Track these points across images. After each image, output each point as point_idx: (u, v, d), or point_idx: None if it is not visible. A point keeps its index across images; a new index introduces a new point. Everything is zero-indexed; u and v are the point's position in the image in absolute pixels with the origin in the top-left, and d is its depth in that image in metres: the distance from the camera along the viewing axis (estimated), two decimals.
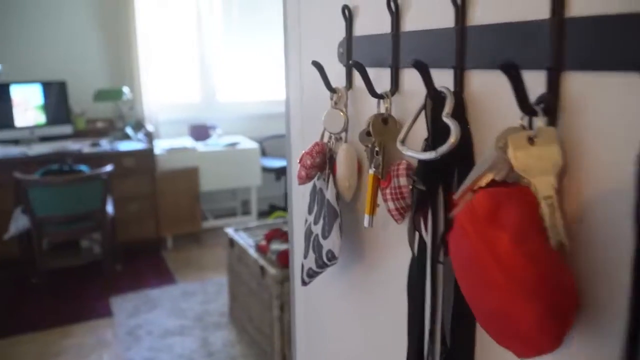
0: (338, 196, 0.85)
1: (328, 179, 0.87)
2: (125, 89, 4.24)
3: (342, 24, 0.87)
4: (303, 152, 0.90)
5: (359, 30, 0.85)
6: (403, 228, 0.74)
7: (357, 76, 0.85)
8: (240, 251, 2.80)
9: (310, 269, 0.92)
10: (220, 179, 4.28)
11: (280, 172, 4.70)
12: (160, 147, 4.18)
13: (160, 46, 4.58)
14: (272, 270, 2.44)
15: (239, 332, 2.96)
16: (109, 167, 3.39)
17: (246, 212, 5.09)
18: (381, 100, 0.77)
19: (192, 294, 3.45)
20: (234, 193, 4.95)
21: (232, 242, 2.93)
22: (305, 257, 0.94)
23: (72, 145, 3.90)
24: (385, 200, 0.74)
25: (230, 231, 3.01)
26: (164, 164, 4.06)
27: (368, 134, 0.77)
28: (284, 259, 2.43)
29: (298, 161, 0.90)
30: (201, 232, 4.40)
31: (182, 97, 4.82)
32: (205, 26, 4.74)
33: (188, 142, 4.42)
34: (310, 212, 0.94)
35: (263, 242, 2.71)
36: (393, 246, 0.82)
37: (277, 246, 2.55)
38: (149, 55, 4.38)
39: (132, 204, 3.97)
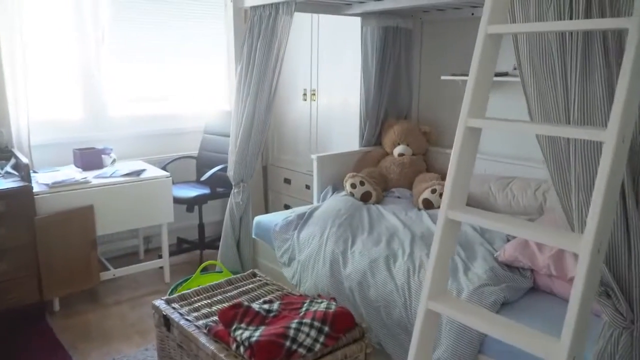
0: None
1: None
2: None
3: None
4: None
5: None
6: None
7: None
8: (183, 337, 2.06)
9: None
10: (123, 218, 3.40)
11: (194, 203, 3.91)
12: (39, 181, 3.20)
13: (31, 51, 3.56)
14: None
15: None
16: None
17: (149, 249, 4.23)
18: None
19: None
20: (135, 229, 4.05)
21: (167, 322, 2.17)
22: None
23: None
24: None
25: (161, 305, 2.24)
26: (47, 204, 3.10)
27: None
28: (264, 355, 1.76)
29: None
30: (98, 285, 3.49)
31: (61, 113, 3.83)
32: (88, 25, 3.79)
33: (75, 172, 3.47)
34: None
35: (218, 325, 1.99)
36: None
37: (245, 333, 1.86)
38: (16, 64, 3.35)
39: (3, 262, 2.96)
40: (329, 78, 4.09)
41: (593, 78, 1.55)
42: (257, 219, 3.33)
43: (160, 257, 3.85)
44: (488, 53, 1.64)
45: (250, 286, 2.43)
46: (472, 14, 3.57)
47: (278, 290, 2.39)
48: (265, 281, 2.49)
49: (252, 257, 3.29)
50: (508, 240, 2.57)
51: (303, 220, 3.07)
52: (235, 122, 3.14)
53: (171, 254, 3.99)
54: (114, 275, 3.52)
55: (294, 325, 1.87)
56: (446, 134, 3.93)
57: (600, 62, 1.53)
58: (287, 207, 4.64)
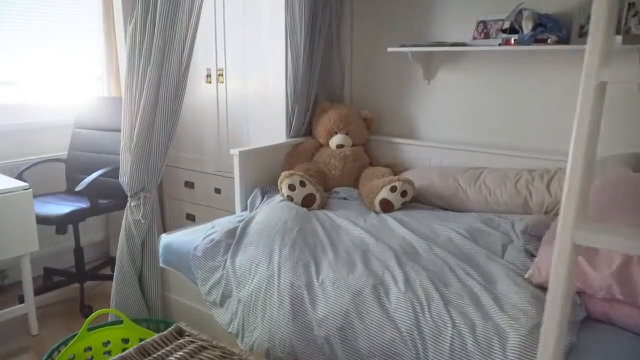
0: None
1: None
2: None
3: None
4: None
5: None
6: None
7: None
8: None
9: None
10: None
11: (66, 222, 2.85)
12: None
13: None
14: None
15: None
16: None
17: (4, 287, 3.09)
18: None
19: None
20: None
21: None
22: None
23: None
24: None
25: None
26: None
27: None
28: None
29: None
30: None
31: None
32: None
33: None
34: None
35: None
36: None
37: None
38: None
39: None
40: (241, 55, 3.24)
41: None
42: (165, 239, 2.42)
43: (21, 299, 2.76)
44: None
45: (179, 354, 1.55)
46: None
47: (226, 358, 1.54)
48: (200, 342, 1.62)
49: (160, 294, 2.36)
50: (526, 251, 1.96)
51: (236, 239, 2.22)
52: (129, 109, 2.19)
53: (37, 292, 2.90)
54: None
55: None
56: (387, 119, 3.29)
57: None
58: (190, 217, 3.71)
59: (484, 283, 1.76)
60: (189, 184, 3.68)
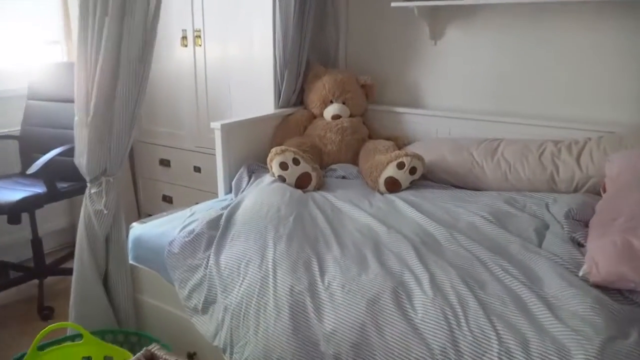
0: None
1: None
2: None
3: None
4: None
5: None
6: None
7: None
8: None
9: None
10: None
11: (19, 209, 2.45)
12: None
13: None
14: None
15: None
16: None
17: None
18: None
19: None
20: None
21: None
22: None
23: None
24: None
25: None
26: None
27: None
28: None
29: None
30: None
31: None
32: None
33: None
34: None
35: None
36: None
37: None
38: None
39: None
40: (221, 13, 2.82)
41: None
42: (135, 230, 2.04)
43: None
44: None
45: None
46: None
47: None
48: None
49: (131, 298, 1.99)
50: (572, 239, 1.63)
51: (220, 230, 1.85)
52: (84, 74, 1.78)
53: None
54: None
55: None
56: (388, 85, 2.91)
57: None
58: (167, 199, 3.33)
59: (528, 282, 1.43)
60: (165, 162, 3.28)
